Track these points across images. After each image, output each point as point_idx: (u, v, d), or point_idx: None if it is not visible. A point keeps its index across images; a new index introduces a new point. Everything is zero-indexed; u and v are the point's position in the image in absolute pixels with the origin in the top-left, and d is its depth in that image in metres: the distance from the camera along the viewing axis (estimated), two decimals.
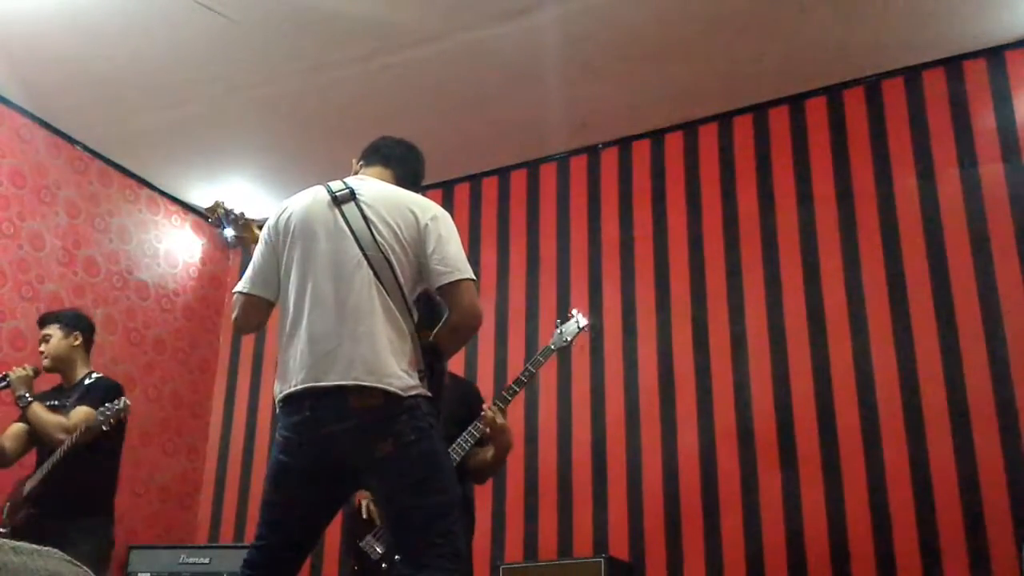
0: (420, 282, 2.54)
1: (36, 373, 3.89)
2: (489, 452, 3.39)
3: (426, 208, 2.56)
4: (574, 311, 3.60)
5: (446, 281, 2.47)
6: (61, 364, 3.91)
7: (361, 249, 2.46)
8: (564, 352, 3.64)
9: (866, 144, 4.63)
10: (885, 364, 4.26)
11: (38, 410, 3.70)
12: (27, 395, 3.73)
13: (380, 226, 2.48)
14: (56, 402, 3.84)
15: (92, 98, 4.95)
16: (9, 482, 3.90)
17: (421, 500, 2.35)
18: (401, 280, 2.46)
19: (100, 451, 3.72)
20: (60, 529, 3.55)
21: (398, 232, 2.49)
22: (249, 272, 2.62)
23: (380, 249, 2.46)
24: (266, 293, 2.59)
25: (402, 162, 2.77)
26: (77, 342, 3.94)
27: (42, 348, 3.92)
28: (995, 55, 4.46)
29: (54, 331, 3.90)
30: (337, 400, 2.36)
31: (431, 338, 2.55)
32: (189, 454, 5.72)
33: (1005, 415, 3.98)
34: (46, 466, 3.64)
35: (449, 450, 3.24)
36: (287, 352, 2.50)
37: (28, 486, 3.69)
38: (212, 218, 3.22)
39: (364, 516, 3.40)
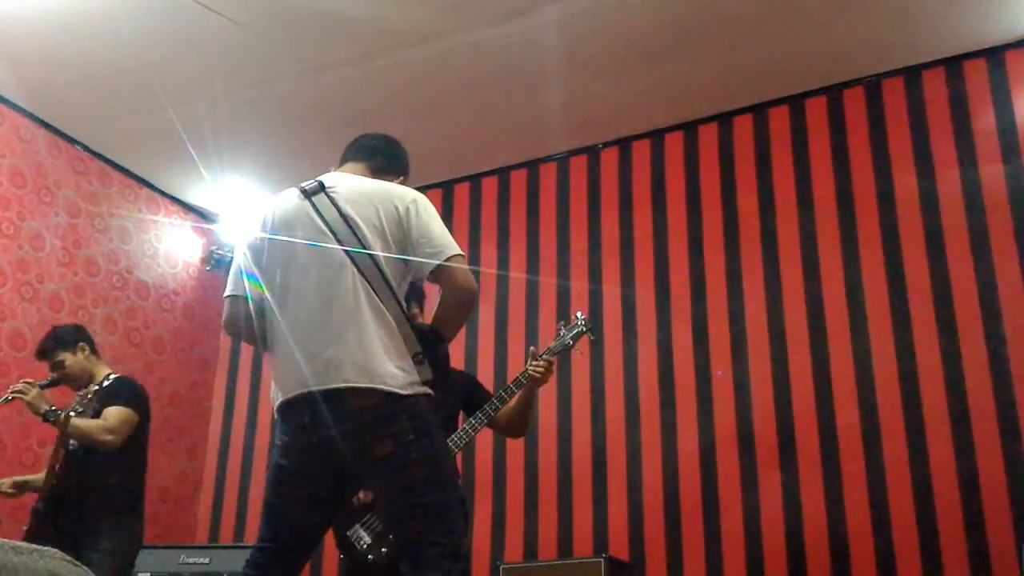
0: (407, 271, 2.50)
1: (53, 383, 3.88)
2: (514, 407, 3.47)
3: (403, 194, 2.52)
4: (578, 314, 3.61)
5: (436, 262, 2.43)
6: (85, 376, 3.91)
7: (343, 247, 2.43)
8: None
9: (866, 144, 4.63)
10: (885, 364, 4.26)
11: (76, 421, 3.66)
12: (56, 409, 3.64)
13: (360, 221, 2.44)
14: (80, 409, 3.86)
15: (92, 98, 4.95)
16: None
17: (420, 499, 2.33)
18: (387, 273, 2.42)
19: (121, 448, 3.74)
20: (80, 529, 3.59)
21: (378, 224, 2.45)
22: (231, 275, 2.63)
23: (363, 244, 2.42)
24: (244, 291, 2.58)
25: (373, 152, 2.73)
26: (86, 352, 3.96)
27: (58, 373, 3.89)
28: (995, 55, 4.46)
29: (63, 356, 3.88)
30: (334, 404, 2.34)
31: (430, 322, 2.54)
32: (189, 454, 5.72)
33: (1005, 415, 3.98)
34: (57, 469, 3.64)
35: (458, 435, 3.30)
36: (276, 358, 2.49)
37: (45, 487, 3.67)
38: (210, 263, 3.18)
39: (356, 506, 3.41)
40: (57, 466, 3.62)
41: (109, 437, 3.66)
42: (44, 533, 3.51)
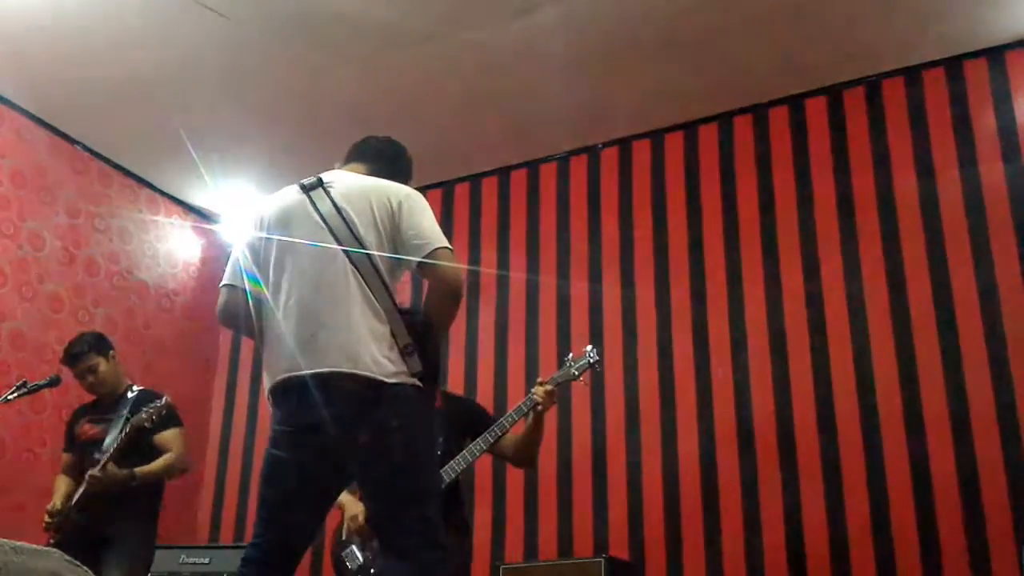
0: (399, 265, 2.53)
1: (53, 382, 3.95)
2: (519, 438, 3.42)
3: (398, 190, 2.57)
4: (588, 348, 3.53)
5: (423, 253, 2.45)
6: (113, 385, 3.95)
7: (336, 239, 2.47)
8: (566, 385, 3.57)
9: (866, 144, 4.63)
10: (885, 364, 4.26)
11: (147, 473, 3.74)
12: (133, 471, 3.68)
13: (353, 214, 2.49)
14: (100, 416, 3.88)
15: (92, 98, 4.95)
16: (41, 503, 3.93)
17: (399, 487, 2.35)
18: (379, 265, 2.46)
19: (145, 454, 3.77)
20: (110, 533, 3.63)
21: (372, 217, 2.49)
22: (228, 267, 2.66)
23: (355, 236, 2.46)
24: (243, 284, 2.61)
25: (376, 155, 2.77)
26: (116, 360, 4.01)
27: (90, 379, 3.91)
28: (995, 55, 4.46)
29: (97, 360, 3.90)
30: (321, 389, 2.36)
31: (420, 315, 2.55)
32: (189, 454, 5.70)
33: (1005, 416, 3.98)
34: (87, 477, 3.66)
35: (456, 461, 3.28)
36: (268, 346, 2.52)
37: (74, 498, 3.70)
38: None
39: (343, 536, 3.42)
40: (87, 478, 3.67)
41: (186, 466, 3.96)
42: (78, 539, 3.55)
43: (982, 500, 3.92)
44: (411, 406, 2.39)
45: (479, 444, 3.34)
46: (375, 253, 2.46)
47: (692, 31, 4.39)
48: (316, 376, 2.37)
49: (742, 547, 4.28)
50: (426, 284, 2.56)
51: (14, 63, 4.67)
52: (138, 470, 3.70)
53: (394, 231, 2.49)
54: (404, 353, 2.42)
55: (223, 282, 2.64)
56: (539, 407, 3.35)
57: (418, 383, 2.44)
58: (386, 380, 2.36)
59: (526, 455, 3.50)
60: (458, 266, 2.52)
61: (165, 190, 5.83)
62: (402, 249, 2.49)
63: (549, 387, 3.37)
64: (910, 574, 3.96)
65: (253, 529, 2.51)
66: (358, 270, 2.44)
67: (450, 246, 2.50)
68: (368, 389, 2.35)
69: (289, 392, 2.42)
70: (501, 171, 5.50)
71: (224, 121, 5.10)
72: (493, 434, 3.35)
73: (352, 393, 2.35)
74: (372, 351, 2.37)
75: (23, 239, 4.95)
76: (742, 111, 4.94)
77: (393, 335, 2.43)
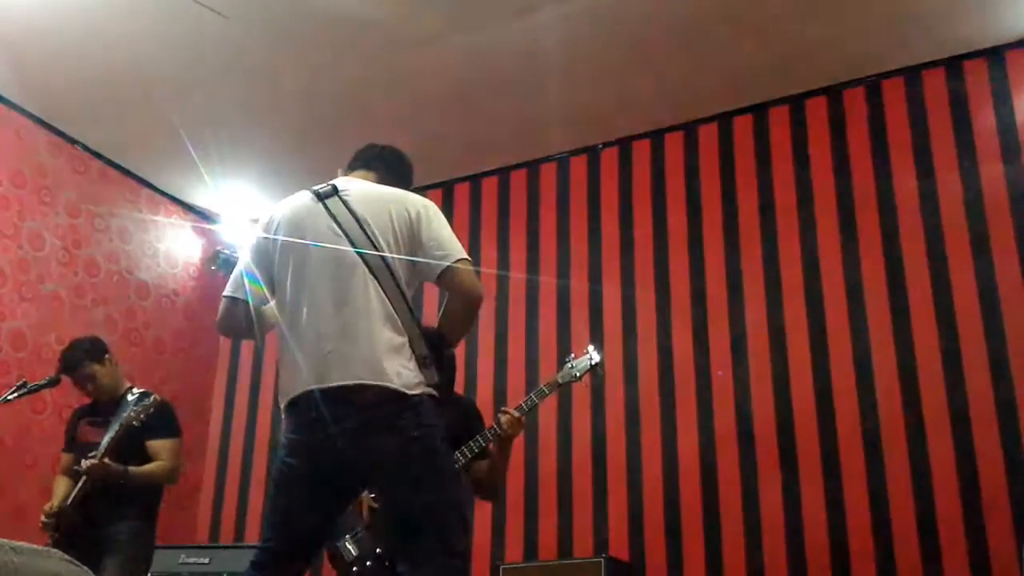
0: (416, 275, 2.53)
1: (52, 382, 3.92)
2: (486, 463, 3.35)
3: (416, 200, 2.58)
4: (589, 347, 3.50)
5: (444, 265, 2.46)
6: (112, 388, 3.92)
7: (355, 248, 2.46)
8: (567, 386, 3.54)
9: (866, 144, 4.63)
10: (885, 364, 4.26)
11: (139, 473, 3.72)
12: (126, 469, 3.66)
13: (371, 222, 2.48)
14: (99, 418, 3.86)
15: (92, 98, 4.95)
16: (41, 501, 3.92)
17: (419, 497, 2.35)
18: (398, 275, 2.45)
19: (137, 456, 3.76)
20: (109, 534, 3.63)
21: (390, 226, 2.48)
22: (232, 276, 2.64)
23: (374, 246, 2.46)
24: (244, 292, 2.59)
25: (384, 163, 2.77)
26: (113, 362, 3.97)
27: (89, 387, 3.89)
28: (995, 55, 4.46)
29: (94, 368, 3.87)
30: (342, 400, 2.36)
31: (436, 325, 2.55)
32: (189, 454, 5.69)
33: (1005, 415, 3.98)
34: (84, 478, 3.65)
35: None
36: (287, 356, 2.50)
37: (71, 496, 3.69)
38: (216, 263, 3.13)
39: (346, 519, 3.40)
40: (83, 481, 3.66)
41: (174, 476, 3.89)
42: (78, 539, 3.55)
43: (982, 500, 3.92)
44: (431, 417, 2.39)
45: (464, 453, 3.27)
46: (394, 257, 2.45)
47: (692, 31, 4.39)
48: (340, 389, 2.36)
49: (742, 547, 4.28)
50: (445, 295, 2.55)
51: (14, 63, 4.67)
52: (131, 468, 3.67)
53: (412, 241, 2.49)
54: (422, 364, 2.43)
55: (225, 293, 2.62)
56: (504, 434, 3.25)
57: (434, 393, 2.44)
58: (408, 392, 2.36)
59: (487, 484, 3.38)
60: (477, 273, 2.52)
61: (165, 190, 5.83)
62: (422, 257, 2.49)
63: (516, 414, 3.29)
64: (910, 574, 3.96)
65: (261, 533, 2.51)
66: (377, 279, 2.44)
67: (469, 257, 2.51)
68: (390, 401, 2.34)
69: (310, 403, 2.39)
70: (501, 171, 5.50)
71: (224, 121, 5.09)
72: (478, 444, 3.26)
73: (374, 405, 2.34)
74: (394, 362, 2.37)
75: (23, 239, 4.95)
76: (742, 111, 4.95)
77: (411, 346, 2.43)
